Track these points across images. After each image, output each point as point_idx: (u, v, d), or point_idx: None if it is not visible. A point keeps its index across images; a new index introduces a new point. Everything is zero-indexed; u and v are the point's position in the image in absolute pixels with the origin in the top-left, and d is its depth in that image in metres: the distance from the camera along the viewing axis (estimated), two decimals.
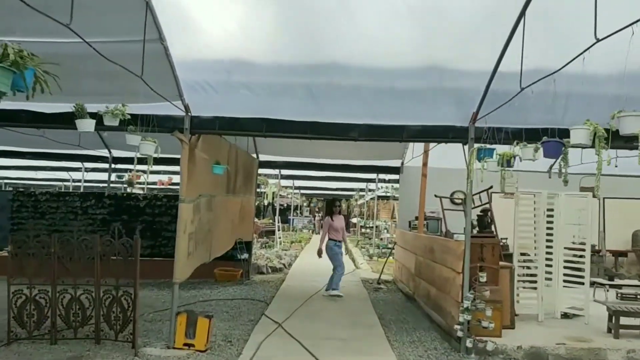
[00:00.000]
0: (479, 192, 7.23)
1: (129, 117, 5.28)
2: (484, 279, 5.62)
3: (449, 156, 8.02)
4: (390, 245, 16.55)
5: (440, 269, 6.63)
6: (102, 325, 5.39)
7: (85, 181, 16.17)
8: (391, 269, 11.45)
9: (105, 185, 12.79)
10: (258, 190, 17.27)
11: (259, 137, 6.21)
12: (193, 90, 5.56)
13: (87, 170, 14.89)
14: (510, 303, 6.14)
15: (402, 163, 11.17)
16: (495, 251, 6.06)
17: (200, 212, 6.36)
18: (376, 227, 23.12)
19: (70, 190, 18.77)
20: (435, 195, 8.16)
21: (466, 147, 5.81)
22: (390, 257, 11.54)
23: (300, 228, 27.99)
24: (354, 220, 27.09)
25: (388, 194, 17.02)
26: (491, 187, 7.10)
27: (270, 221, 21.31)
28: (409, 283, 8.98)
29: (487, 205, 7.29)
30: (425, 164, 8.54)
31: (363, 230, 21.96)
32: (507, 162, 5.59)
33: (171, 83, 5.33)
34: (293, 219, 25.73)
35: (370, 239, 21.38)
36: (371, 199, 21.62)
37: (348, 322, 6.98)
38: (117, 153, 11.20)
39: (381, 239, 18.35)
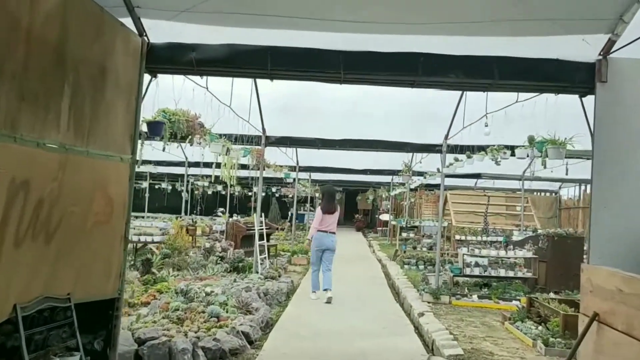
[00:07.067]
0: None
1: None
2: None
3: None
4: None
5: None
6: None
7: None
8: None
9: None
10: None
11: None
12: None
13: None
14: None
15: (605, 52, 3.54)
16: None
17: None
18: (416, 228, 15.57)
19: None
20: None
21: None
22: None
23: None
24: (385, 217, 19.46)
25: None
26: None
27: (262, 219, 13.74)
28: None
29: None
30: None
31: (404, 234, 14.23)
32: None
33: None
34: (298, 215, 18.28)
35: (415, 247, 13.56)
36: (421, 187, 13.92)
37: None
38: None
39: (452, 257, 10.44)
